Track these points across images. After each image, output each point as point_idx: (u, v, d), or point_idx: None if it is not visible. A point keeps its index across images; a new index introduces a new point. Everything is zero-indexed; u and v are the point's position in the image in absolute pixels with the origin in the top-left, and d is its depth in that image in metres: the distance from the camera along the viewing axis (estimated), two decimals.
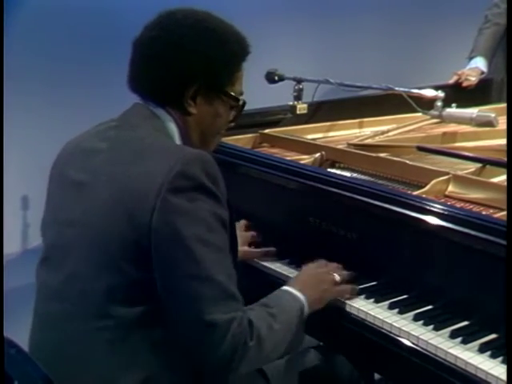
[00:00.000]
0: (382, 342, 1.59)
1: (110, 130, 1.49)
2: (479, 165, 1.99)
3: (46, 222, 1.52)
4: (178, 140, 1.49)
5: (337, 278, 1.67)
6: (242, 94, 1.57)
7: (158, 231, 1.30)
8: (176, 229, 1.30)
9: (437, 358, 1.49)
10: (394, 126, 2.51)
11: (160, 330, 1.36)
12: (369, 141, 2.34)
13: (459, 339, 1.51)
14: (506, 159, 1.99)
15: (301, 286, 1.58)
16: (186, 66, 1.47)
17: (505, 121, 2.45)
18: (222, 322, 1.31)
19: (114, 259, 1.33)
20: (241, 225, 1.96)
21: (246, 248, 1.90)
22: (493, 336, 1.52)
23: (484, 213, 1.72)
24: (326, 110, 2.61)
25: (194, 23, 1.49)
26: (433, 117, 2.49)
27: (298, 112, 2.54)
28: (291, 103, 2.55)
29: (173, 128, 1.49)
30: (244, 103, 1.57)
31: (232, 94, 1.53)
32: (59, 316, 1.40)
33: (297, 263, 1.87)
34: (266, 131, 2.40)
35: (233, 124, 1.61)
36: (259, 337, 1.37)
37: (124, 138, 1.45)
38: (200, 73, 1.48)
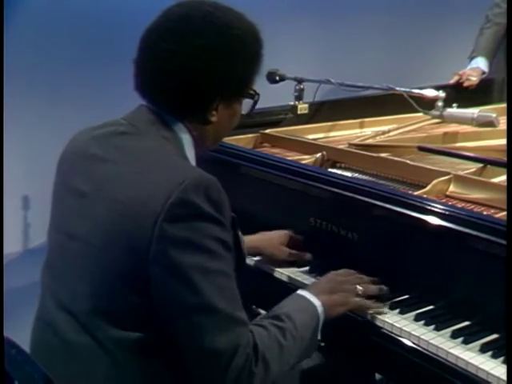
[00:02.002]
0: (383, 342, 1.59)
1: (117, 137, 1.43)
2: (480, 165, 1.99)
3: (52, 226, 1.50)
4: (188, 149, 1.45)
5: (359, 289, 1.61)
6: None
7: (156, 262, 1.27)
8: (174, 260, 1.26)
9: (438, 358, 1.49)
10: (395, 126, 2.51)
11: (157, 360, 1.33)
12: (370, 141, 2.34)
13: (460, 339, 1.51)
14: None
15: (318, 291, 1.54)
16: (214, 83, 1.42)
17: (506, 121, 2.44)
18: (226, 351, 1.27)
19: (112, 283, 1.31)
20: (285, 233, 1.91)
21: (281, 247, 1.88)
22: (494, 336, 1.52)
23: (485, 213, 1.72)
24: (327, 110, 2.61)
25: (215, 30, 1.41)
26: (434, 117, 2.49)
27: (298, 112, 2.54)
28: (292, 103, 2.55)
29: (186, 138, 1.45)
30: (259, 97, 1.53)
31: (250, 92, 1.51)
32: (66, 329, 1.38)
33: (297, 263, 1.87)
34: (267, 131, 2.40)
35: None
36: (265, 361, 1.32)
37: (131, 150, 1.39)
38: (226, 86, 1.43)
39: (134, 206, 1.30)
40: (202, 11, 1.43)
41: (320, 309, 1.50)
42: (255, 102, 1.54)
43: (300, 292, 1.55)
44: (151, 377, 1.34)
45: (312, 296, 1.52)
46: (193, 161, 1.47)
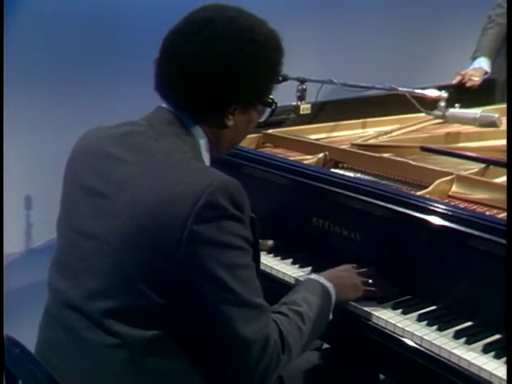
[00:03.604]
0: (386, 342, 1.59)
1: (135, 137, 1.44)
2: (483, 165, 1.99)
3: (62, 223, 1.49)
4: (204, 152, 1.47)
5: (370, 281, 1.69)
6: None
7: (186, 263, 1.29)
8: (204, 260, 1.30)
9: (440, 358, 1.49)
10: (398, 126, 2.51)
11: (173, 360, 1.35)
12: (372, 141, 2.34)
13: (463, 340, 1.51)
14: None
15: (332, 276, 1.63)
16: (234, 87, 1.43)
17: None
18: (259, 340, 1.34)
19: (132, 282, 1.32)
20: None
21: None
22: (497, 336, 1.52)
23: (488, 213, 1.72)
24: (330, 110, 2.61)
25: (238, 35, 1.43)
26: (436, 117, 2.49)
27: (301, 112, 2.53)
28: (294, 103, 2.54)
29: (203, 141, 1.47)
30: (276, 105, 1.55)
31: (269, 100, 1.53)
32: (78, 326, 1.39)
33: (300, 263, 1.87)
34: (270, 131, 2.40)
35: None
36: (289, 347, 1.40)
37: (151, 151, 1.40)
38: (244, 91, 1.45)
39: (157, 207, 1.31)
40: (225, 16, 1.45)
41: (332, 291, 1.59)
42: (273, 111, 1.56)
43: (314, 277, 1.64)
44: (165, 375, 1.35)
45: (325, 280, 1.60)
46: (208, 164, 1.48)
